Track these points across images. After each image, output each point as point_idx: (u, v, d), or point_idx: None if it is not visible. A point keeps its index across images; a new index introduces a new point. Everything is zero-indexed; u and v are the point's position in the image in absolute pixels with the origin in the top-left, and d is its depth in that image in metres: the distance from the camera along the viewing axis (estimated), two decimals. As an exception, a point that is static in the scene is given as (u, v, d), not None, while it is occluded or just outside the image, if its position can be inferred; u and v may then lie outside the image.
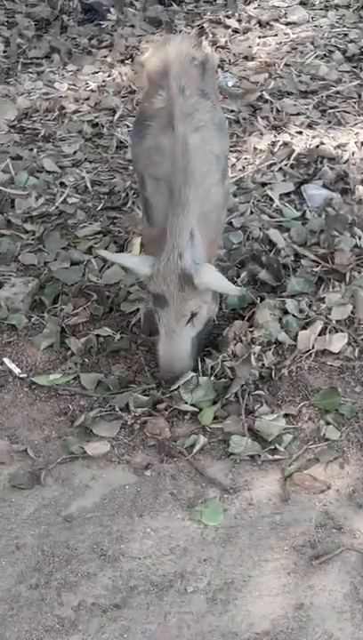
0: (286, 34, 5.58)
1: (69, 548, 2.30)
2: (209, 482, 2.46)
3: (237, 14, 5.93)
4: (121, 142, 4.26)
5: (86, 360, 2.90)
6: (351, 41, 5.39)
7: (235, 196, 3.73)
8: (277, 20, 5.81)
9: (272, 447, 2.53)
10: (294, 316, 2.93)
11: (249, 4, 6.13)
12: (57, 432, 2.66)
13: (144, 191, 2.84)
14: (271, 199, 3.71)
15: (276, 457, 2.51)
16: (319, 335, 2.86)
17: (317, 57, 5.17)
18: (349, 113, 4.49)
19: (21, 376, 2.86)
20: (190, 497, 2.42)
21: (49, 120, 4.53)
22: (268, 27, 5.74)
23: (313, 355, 2.82)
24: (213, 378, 2.72)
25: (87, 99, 4.71)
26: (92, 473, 2.51)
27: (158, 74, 2.88)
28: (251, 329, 2.85)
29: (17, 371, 2.88)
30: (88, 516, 2.38)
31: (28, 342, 2.99)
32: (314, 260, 3.25)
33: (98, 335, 2.98)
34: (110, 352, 2.93)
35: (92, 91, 4.81)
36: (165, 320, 2.63)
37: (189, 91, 2.79)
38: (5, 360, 2.92)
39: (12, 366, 2.89)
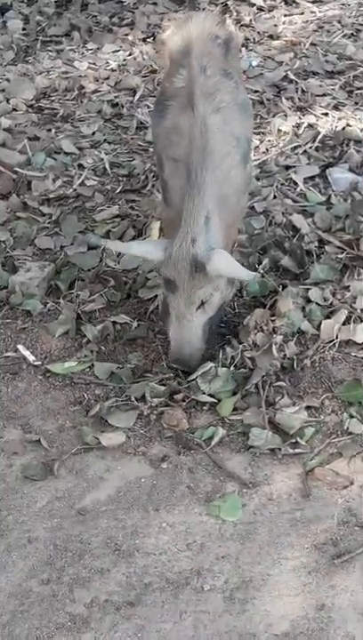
0: (312, 12, 5.44)
1: (82, 542, 2.23)
2: (228, 475, 2.38)
3: (262, -8, 5.79)
4: (141, 123, 4.17)
5: (102, 348, 2.82)
6: (381, 20, 5.25)
7: (258, 179, 3.63)
8: (303, -2, 5.67)
9: (293, 441, 2.44)
10: (317, 304, 2.84)
11: (275, -19, 5.99)
12: (71, 422, 2.58)
13: (162, 172, 2.76)
14: (295, 183, 3.60)
15: (297, 451, 2.42)
16: (343, 325, 2.76)
17: (344, 36, 5.04)
18: (376, 94, 4.36)
19: (36, 364, 2.78)
20: (208, 491, 2.34)
21: (68, 100, 4.44)
22: (294, 5, 5.61)
23: (337, 345, 2.72)
24: (232, 368, 2.63)
25: (107, 78, 4.61)
26: (106, 464, 2.44)
27: (180, 52, 2.79)
28: (272, 318, 2.75)
29: (31, 358, 2.80)
30: (102, 510, 2.31)
31: (42, 329, 2.91)
32: (339, 247, 3.15)
33: (115, 322, 2.90)
34: (127, 340, 2.84)
35: (113, 70, 4.71)
36: (174, 305, 2.57)
37: (210, 70, 2.70)
38: (20, 347, 2.84)
39: (27, 353, 2.82)
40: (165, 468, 2.41)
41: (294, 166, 3.74)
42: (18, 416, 2.62)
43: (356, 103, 4.29)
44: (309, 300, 2.85)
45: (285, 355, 2.65)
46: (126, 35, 5.15)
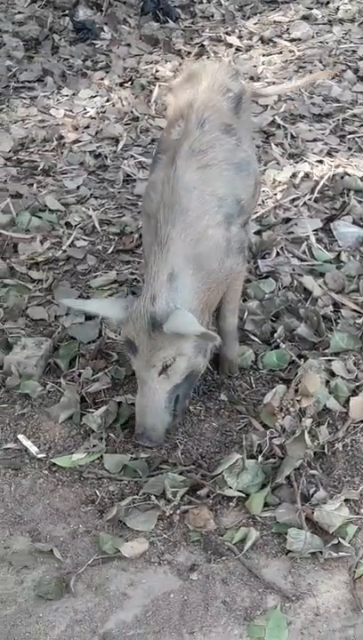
0: (291, 51, 5.29)
1: (111, 676, 1.96)
2: (267, 587, 2.12)
3: (237, 30, 5.64)
4: (128, 175, 3.94)
5: (112, 435, 2.56)
6: (361, 58, 5.11)
7: (259, 233, 3.40)
8: (279, 37, 5.54)
9: (335, 542, 2.20)
10: (342, 378, 2.62)
11: (248, 19, 5.86)
12: (85, 525, 2.31)
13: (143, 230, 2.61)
14: (299, 238, 3.39)
15: (341, 554, 2.17)
16: (374, 400, 2.54)
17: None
18: (369, 139, 4.20)
19: (40, 456, 2.50)
20: (246, 606, 2.08)
21: (47, 151, 4.19)
22: (271, 44, 5.45)
23: (369, 424, 2.50)
24: (260, 458, 2.38)
25: (87, 127, 4.38)
26: (129, 577, 2.17)
27: (185, 102, 2.59)
28: (297, 397, 2.52)
29: (34, 450, 2.52)
30: (129, 634, 2.04)
31: (43, 414, 2.64)
32: (355, 310, 2.96)
33: (120, 403, 2.63)
34: (137, 425, 2.59)
35: (92, 117, 4.48)
36: (135, 369, 2.38)
37: (209, 125, 2.50)
38: (20, 437, 2.56)
39: (28, 444, 2.54)
40: (196, 580, 2.15)
41: (294, 219, 3.54)
42: (24, 520, 2.33)
43: (349, 149, 4.12)
44: (332, 374, 2.64)
45: (318, 442, 2.41)
46: (102, 79, 4.93)
